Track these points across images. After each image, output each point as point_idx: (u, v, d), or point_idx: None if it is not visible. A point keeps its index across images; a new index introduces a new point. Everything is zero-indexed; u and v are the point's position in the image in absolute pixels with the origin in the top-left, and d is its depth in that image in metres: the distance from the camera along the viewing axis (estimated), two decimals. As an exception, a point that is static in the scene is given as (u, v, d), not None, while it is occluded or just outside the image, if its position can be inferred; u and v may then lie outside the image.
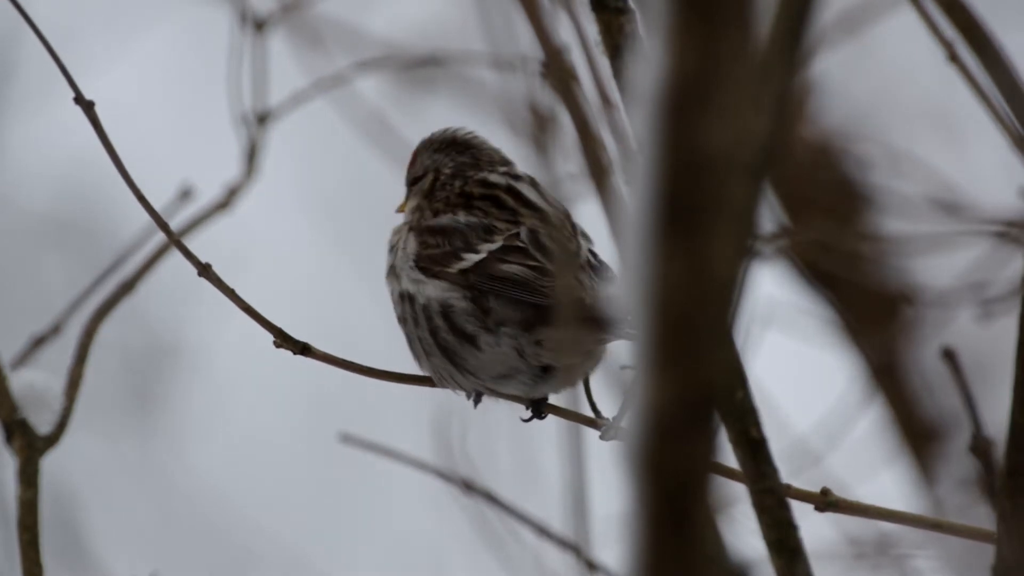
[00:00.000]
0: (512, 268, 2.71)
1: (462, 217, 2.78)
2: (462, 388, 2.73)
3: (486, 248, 2.73)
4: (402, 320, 2.76)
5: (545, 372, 2.70)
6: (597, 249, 2.80)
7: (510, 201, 2.79)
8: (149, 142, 4.87)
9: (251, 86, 3.36)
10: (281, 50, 3.74)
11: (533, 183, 2.83)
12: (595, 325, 2.65)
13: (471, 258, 2.73)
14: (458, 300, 2.71)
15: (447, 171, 2.85)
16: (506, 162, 2.87)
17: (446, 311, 2.71)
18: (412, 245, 2.78)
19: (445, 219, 2.78)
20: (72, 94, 2.53)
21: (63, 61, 2.53)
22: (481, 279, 2.71)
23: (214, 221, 3.17)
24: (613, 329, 2.64)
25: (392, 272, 2.80)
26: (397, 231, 2.84)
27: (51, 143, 4.95)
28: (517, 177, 2.83)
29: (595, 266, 2.76)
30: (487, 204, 2.79)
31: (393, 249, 2.82)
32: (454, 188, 2.82)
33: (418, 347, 2.74)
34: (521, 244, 2.74)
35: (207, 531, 5.01)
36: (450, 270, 2.73)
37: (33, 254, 5.21)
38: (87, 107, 2.54)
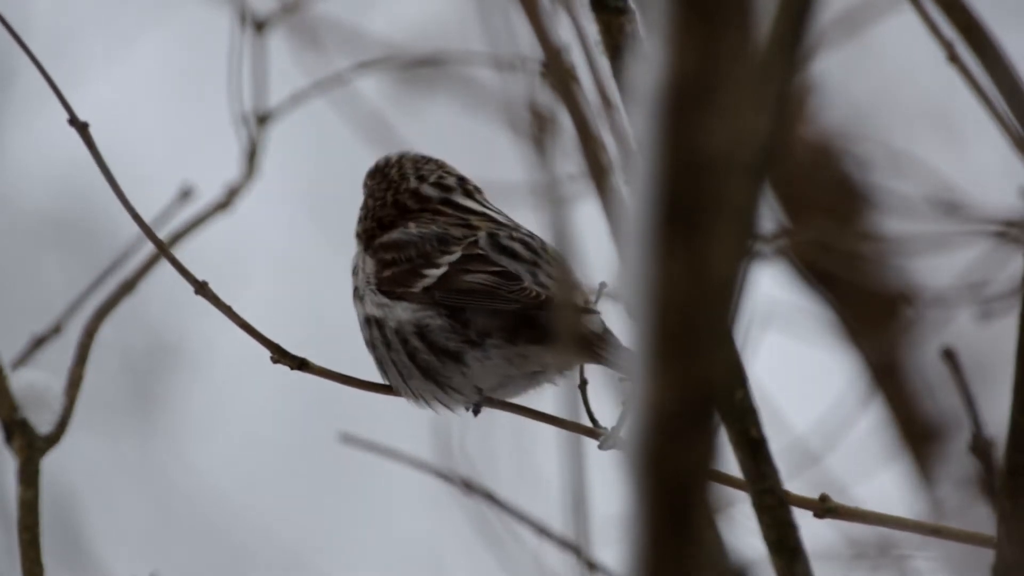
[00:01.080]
0: (476, 278, 2.65)
1: (413, 228, 2.72)
2: (446, 406, 2.69)
3: (446, 260, 2.68)
4: (371, 345, 2.69)
5: (538, 373, 2.68)
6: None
7: (449, 210, 2.74)
8: (149, 142, 4.87)
9: (251, 86, 3.36)
10: (281, 50, 3.74)
11: (467, 193, 2.78)
12: (585, 341, 2.61)
13: (433, 273, 2.67)
14: (433, 318, 2.66)
15: (366, 199, 2.83)
16: (429, 171, 2.81)
17: (422, 331, 2.65)
18: (370, 265, 2.73)
19: (396, 233, 2.73)
20: (67, 114, 2.54)
21: (55, 82, 2.53)
22: (447, 294, 2.66)
23: (214, 221, 3.17)
24: (604, 348, 2.60)
25: (356, 295, 2.75)
26: (356, 255, 2.81)
27: (51, 143, 4.95)
28: (447, 188, 2.77)
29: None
30: (430, 214, 2.74)
31: (355, 271, 2.78)
32: (375, 206, 2.77)
33: (393, 370, 2.67)
34: (481, 251, 2.68)
35: (207, 531, 5.01)
36: (413, 289, 2.67)
37: (33, 254, 5.21)
38: (81, 128, 2.55)
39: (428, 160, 2.83)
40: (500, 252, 2.68)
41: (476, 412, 2.70)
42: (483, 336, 2.64)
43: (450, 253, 2.69)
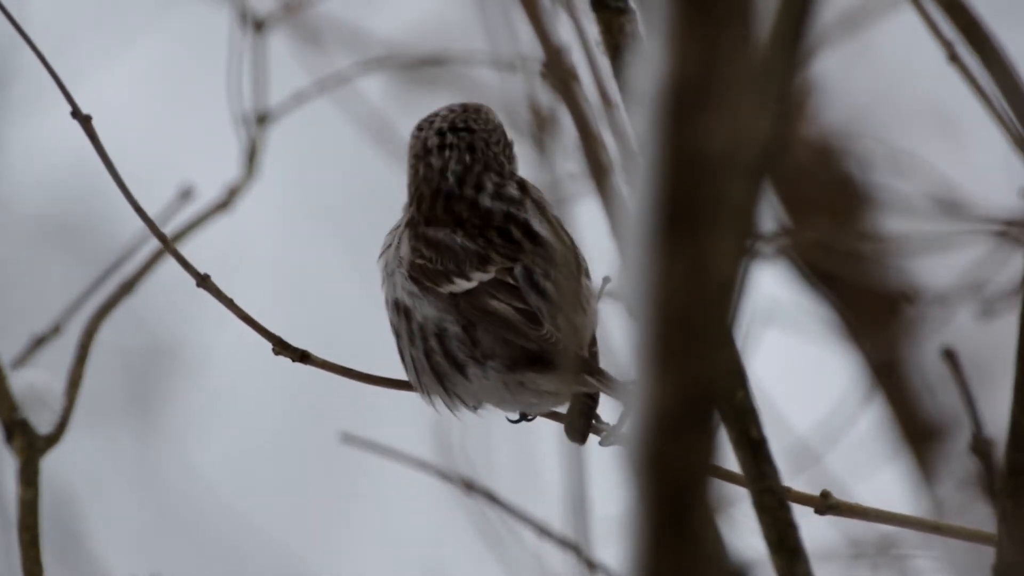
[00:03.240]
0: (501, 308, 2.63)
1: (459, 238, 2.68)
2: (449, 409, 2.69)
3: (478, 277, 2.64)
4: (396, 333, 2.69)
5: (534, 404, 2.67)
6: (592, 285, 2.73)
7: (517, 233, 2.69)
8: (149, 142, 4.87)
9: (251, 86, 3.36)
10: (281, 50, 3.74)
11: (540, 207, 2.73)
12: (583, 376, 2.60)
13: (462, 284, 2.64)
14: (451, 324, 2.64)
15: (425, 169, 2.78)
16: (507, 162, 2.77)
17: (441, 334, 2.65)
18: (406, 248, 2.70)
19: (442, 233, 2.69)
20: (69, 107, 2.54)
21: (58, 74, 2.53)
22: (470, 309, 2.65)
23: (214, 221, 3.17)
24: (606, 382, 2.59)
25: (387, 270, 2.74)
26: (393, 230, 2.78)
27: (52, 143, 4.95)
28: (518, 201, 2.72)
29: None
30: (492, 233, 2.69)
31: (389, 244, 2.76)
32: (439, 200, 2.73)
33: (409, 363, 2.67)
34: (513, 282, 2.65)
35: (207, 532, 5.01)
36: (440, 290, 2.66)
37: (33, 255, 5.21)
38: (84, 121, 2.54)
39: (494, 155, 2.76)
40: (530, 287, 2.66)
41: (475, 409, 2.70)
42: (485, 358, 2.63)
43: (484, 271, 2.66)
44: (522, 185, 2.74)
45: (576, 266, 2.68)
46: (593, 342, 2.66)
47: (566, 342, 2.61)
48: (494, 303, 2.64)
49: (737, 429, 2.10)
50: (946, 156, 4.36)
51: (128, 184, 2.55)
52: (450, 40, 4.23)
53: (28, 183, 5.15)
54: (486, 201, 2.72)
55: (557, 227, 2.71)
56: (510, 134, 2.79)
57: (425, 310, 2.66)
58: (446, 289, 2.65)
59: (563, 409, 2.67)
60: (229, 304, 2.59)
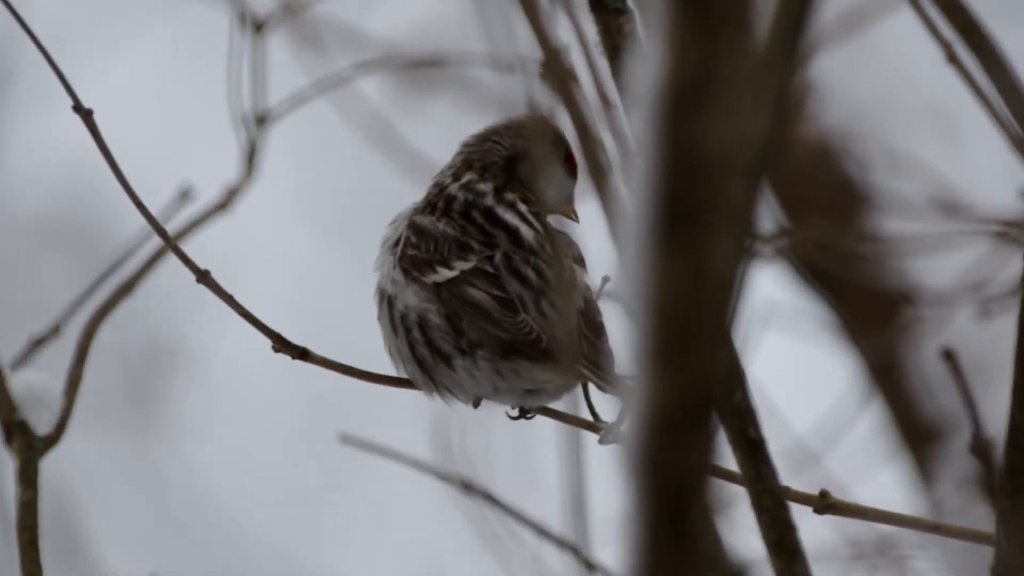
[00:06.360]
0: (479, 296, 2.64)
1: (441, 225, 2.71)
2: (443, 400, 2.69)
3: (459, 267, 2.67)
4: (379, 320, 2.71)
5: (530, 392, 2.68)
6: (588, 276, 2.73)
7: (479, 219, 2.72)
8: (148, 143, 4.87)
9: (250, 87, 3.36)
10: (281, 50, 3.74)
11: (511, 205, 2.74)
12: (578, 368, 2.60)
13: (444, 273, 2.66)
14: (434, 315, 2.65)
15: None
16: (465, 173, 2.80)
17: (423, 324, 2.66)
18: (402, 235, 2.73)
19: (427, 220, 2.73)
20: (70, 101, 2.53)
21: (60, 69, 2.53)
22: (451, 298, 2.65)
23: (213, 222, 3.17)
24: (600, 374, 2.59)
25: (380, 259, 2.75)
26: (395, 219, 2.79)
27: (52, 144, 4.95)
28: (483, 194, 2.74)
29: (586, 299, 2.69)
30: (463, 220, 2.72)
31: (387, 238, 2.77)
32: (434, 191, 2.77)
33: (394, 352, 2.69)
34: (492, 271, 2.67)
35: (206, 532, 5.01)
36: (425, 280, 2.68)
37: (33, 255, 5.21)
38: (86, 115, 2.54)
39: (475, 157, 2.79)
40: (511, 274, 2.66)
41: (476, 405, 2.71)
42: (473, 347, 2.63)
43: (466, 260, 2.67)
44: (498, 188, 2.75)
45: (557, 249, 2.69)
46: (599, 332, 2.66)
47: (546, 330, 2.61)
48: (472, 291, 2.65)
49: (736, 429, 2.10)
50: (945, 156, 4.36)
51: (128, 182, 2.55)
52: (449, 41, 4.23)
53: (28, 183, 5.15)
54: (452, 189, 2.75)
55: (527, 216, 2.72)
56: (537, 164, 2.80)
57: (407, 299, 2.67)
58: (431, 279, 2.66)
59: (561, 406, 2.68)
60: (229, 300, 2.59)
